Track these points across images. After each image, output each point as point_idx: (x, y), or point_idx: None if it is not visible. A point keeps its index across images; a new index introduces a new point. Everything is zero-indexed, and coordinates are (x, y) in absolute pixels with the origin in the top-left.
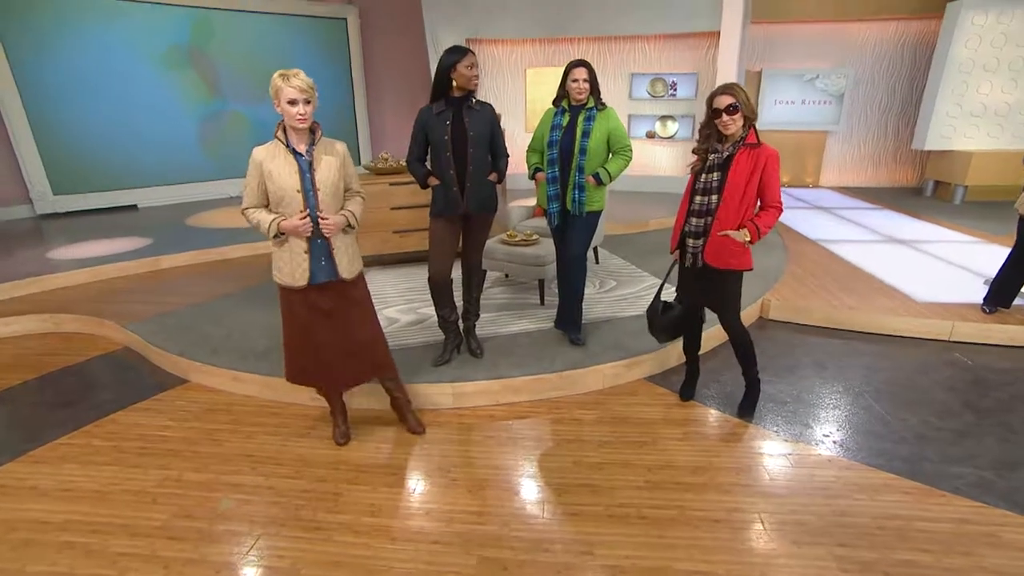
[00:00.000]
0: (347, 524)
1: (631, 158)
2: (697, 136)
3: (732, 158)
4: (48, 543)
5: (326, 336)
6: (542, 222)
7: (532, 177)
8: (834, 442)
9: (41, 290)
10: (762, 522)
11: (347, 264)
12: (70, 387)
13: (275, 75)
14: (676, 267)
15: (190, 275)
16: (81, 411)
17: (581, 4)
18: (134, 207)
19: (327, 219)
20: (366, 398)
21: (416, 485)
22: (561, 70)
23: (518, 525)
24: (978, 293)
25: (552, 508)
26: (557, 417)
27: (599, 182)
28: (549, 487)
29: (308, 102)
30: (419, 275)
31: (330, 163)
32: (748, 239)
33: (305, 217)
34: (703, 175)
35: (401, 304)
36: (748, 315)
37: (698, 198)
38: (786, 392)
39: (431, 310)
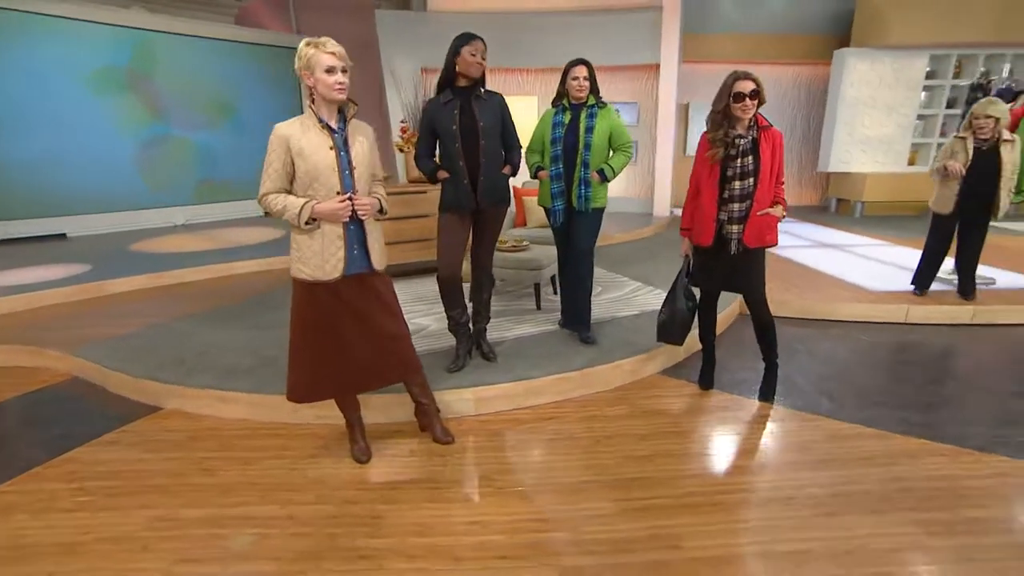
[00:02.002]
0: (395, 548)
1: (632, 154)
2: (708, 125)
3: (757, 141)
4: None
5: (353, 335)
6: (527, 231)
7: (535, 176)
8: (857, 415)
9: None
10: (832, 496)
11: (379, 253)
12: (6, 426)
13: (303, 45)
14: (690, 262)
15: (145, 299)
16: (24, 451)
17: (529, 38)
18: (63, 235)
19: (363, 200)
20: (381, 411)
21: (461, 497)
22: (511, 99)
23: (589, 528)
24: (907, 283)
25: (618, 506)
26: (587, 415)
27: (603, 178)
28: (606, 485)
29: (345, 70)
30: (408, 286)
31: (363, 143)
32: (784, 213)
33: (345, 200)
34: (738, 160)
35: None
36: (732, 310)
37: (737, 183)
38: (793, 375)
39: (426, 319)
